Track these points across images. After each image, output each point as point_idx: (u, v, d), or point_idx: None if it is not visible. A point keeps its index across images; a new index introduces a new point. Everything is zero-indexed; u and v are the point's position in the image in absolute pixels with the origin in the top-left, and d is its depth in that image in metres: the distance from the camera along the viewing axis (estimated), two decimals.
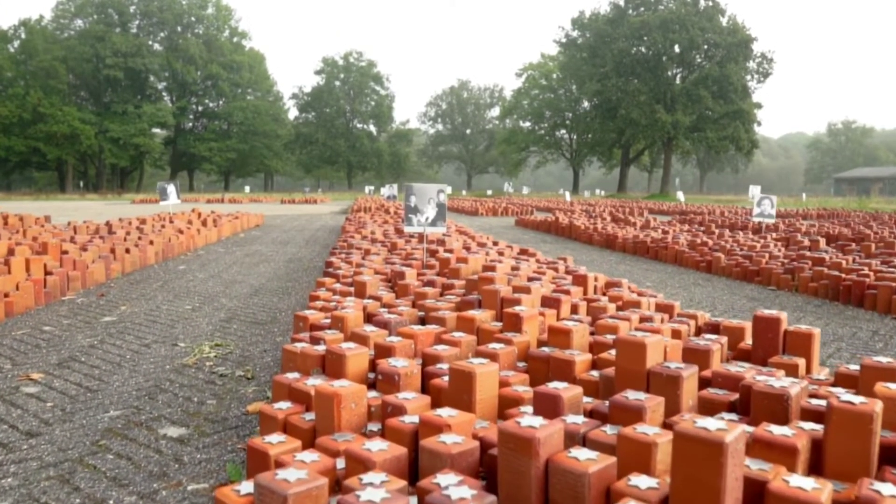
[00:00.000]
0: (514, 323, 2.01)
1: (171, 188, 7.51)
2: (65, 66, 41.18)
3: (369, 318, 2.45)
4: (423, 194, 3.60)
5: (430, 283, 2.94)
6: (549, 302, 2.34)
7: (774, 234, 7.19)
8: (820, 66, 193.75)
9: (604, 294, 2.98)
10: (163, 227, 6.49)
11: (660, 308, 2.65)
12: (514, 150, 48.37)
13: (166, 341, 2.85)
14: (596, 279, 3.07)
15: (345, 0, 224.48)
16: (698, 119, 36.65)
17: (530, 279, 2.92)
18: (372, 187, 25.63)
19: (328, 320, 2.22)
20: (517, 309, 2.03)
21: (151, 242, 5.54)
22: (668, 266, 6.19)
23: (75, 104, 42.80)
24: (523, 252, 4.70)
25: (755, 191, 12.49)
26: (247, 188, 37.00)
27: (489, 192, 35.74)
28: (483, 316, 2.13)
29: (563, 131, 48.49)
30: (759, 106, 38.00)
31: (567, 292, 2.61)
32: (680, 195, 21.13)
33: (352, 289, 2.91)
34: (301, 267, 5.60)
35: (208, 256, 6.23)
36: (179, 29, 47.86)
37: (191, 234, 6.67)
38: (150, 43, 46.64)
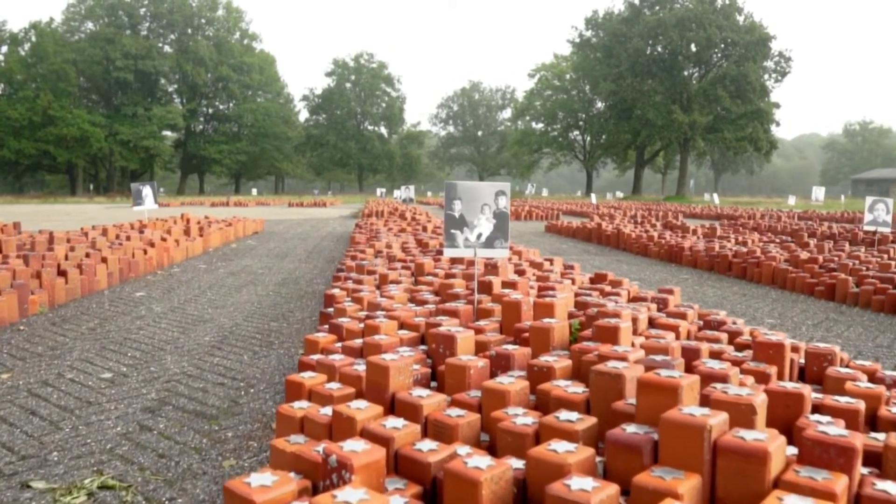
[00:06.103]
0: None
1: (146, 190, 6.26)
2: (75, 68, 40.69)
3: (400, 463, 1.15)
4: (474, 198, 2.29)
5: (505, 362, 1.63)
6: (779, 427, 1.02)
7: None
8: (834, 66, 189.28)
9: (832, 386, 1.64)
10: (128, 238, 5.24)
11: None
12: (526, 152, 47.10)
13: (20, 471, 1.55)
14: (794, 349, 1.73)
15: (355, 2, 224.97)
16: (715, 119, 35.30)
17: (688, 351, 1.59)
18: (384, 189, 24.38)
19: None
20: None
21: (104, 260, 4.28)
22: (768, 289, 4.81)
23: (85, 107, 42.33)
24: (599, 278, 3.37)
25: (819, 193, 11.06)
26: (254, 191, 36.17)
27: None
28: (687, 486, 0.81)
29: (576, 132, 47.21)
30: (777, 105, 36.49)
31: (785, 398, 1.28)
32: (715, 197, 19.64)
33: (361, 369, 1.61)
34: (296, 293, 4.32)
35: (182, 276, 4.97)
36: (189, 31, 47.27)
37: (165, 247, 5.42)
38: (161, 45, 46.08)
